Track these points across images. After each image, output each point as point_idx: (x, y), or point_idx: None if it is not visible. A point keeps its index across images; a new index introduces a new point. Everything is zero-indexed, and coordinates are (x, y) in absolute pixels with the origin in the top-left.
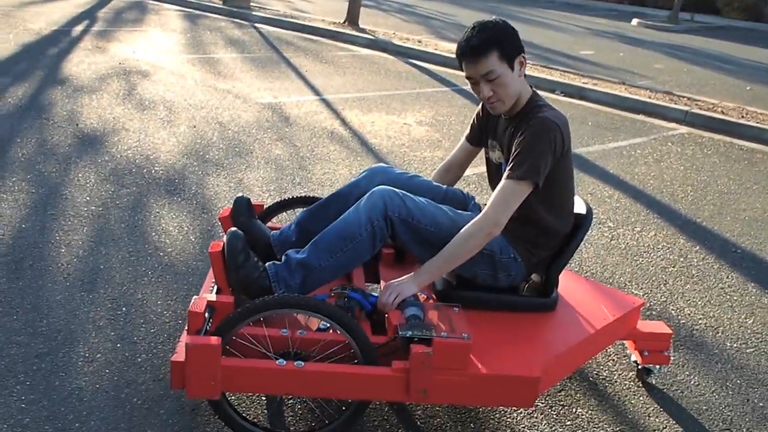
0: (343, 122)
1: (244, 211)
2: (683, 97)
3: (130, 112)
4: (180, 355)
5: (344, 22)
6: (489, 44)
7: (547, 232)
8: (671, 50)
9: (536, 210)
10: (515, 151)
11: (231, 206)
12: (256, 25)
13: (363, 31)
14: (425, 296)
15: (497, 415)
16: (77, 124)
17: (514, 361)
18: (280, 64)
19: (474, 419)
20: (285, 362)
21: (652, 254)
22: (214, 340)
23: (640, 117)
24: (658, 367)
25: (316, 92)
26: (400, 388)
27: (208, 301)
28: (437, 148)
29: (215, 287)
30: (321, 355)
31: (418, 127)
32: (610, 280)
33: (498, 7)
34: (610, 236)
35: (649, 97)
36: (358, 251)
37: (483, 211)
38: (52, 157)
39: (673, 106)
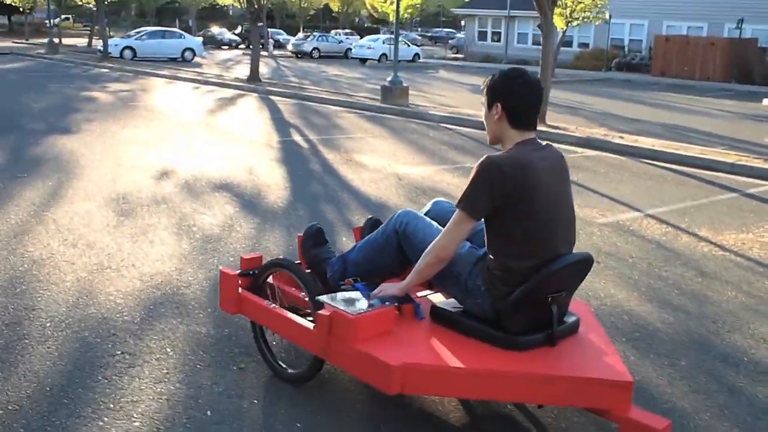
0: (712, 243)
1: (368, 227)
2: None
3: None
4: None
5: None
6: (485, 85)
7: (507, 269)
8: None
9: (493, 245)
10: None
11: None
12: (443, 125)
13: (556, 128)
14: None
15: None
16: None
17: (386, 351)
18: None
19: None
20: (268, 303)
21: None
22: (233, 273)
23: None
24: None
25: (628, 206)
26: (313, 342)
27: (259, 256)
28: None
29: None
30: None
31: None
32: None
33: (613, 91)
34: None
35: None
36: (374, 253)
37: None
38: None
39: None
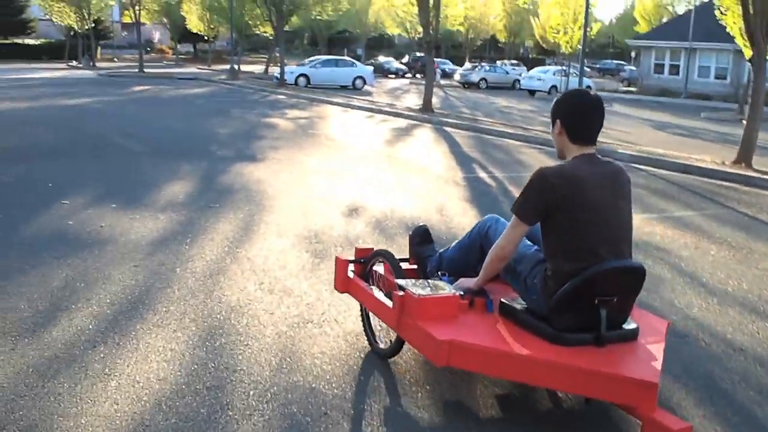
0: None
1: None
2: None
3: None
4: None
5: (738, 162)
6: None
7: (556, 270)
8: None
9: (546, 248)
10: None
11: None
12: (634, 165)
13: None
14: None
15: None
16: None
17: (441, 329)
18: None
19: None
20: (366, 285)
21: None
22: (343, 259)
23: None
24: None
25: None
26: (391, 318)
27: (371, 248)
28: None
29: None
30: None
31: None
32: None
33: None
34: None
35: None
36: (462, 252)
37: None
38: None
39: None
